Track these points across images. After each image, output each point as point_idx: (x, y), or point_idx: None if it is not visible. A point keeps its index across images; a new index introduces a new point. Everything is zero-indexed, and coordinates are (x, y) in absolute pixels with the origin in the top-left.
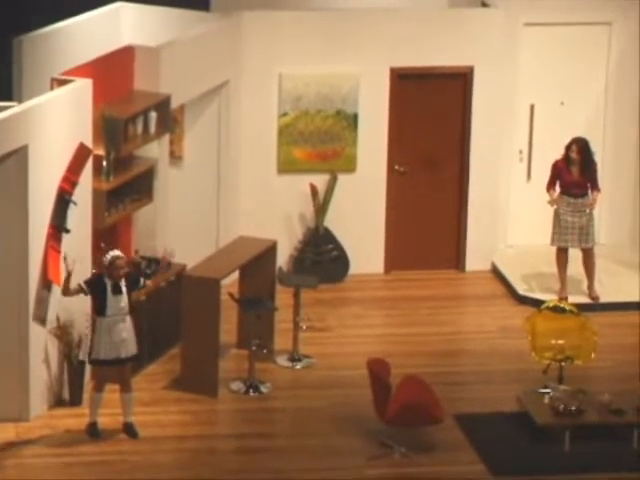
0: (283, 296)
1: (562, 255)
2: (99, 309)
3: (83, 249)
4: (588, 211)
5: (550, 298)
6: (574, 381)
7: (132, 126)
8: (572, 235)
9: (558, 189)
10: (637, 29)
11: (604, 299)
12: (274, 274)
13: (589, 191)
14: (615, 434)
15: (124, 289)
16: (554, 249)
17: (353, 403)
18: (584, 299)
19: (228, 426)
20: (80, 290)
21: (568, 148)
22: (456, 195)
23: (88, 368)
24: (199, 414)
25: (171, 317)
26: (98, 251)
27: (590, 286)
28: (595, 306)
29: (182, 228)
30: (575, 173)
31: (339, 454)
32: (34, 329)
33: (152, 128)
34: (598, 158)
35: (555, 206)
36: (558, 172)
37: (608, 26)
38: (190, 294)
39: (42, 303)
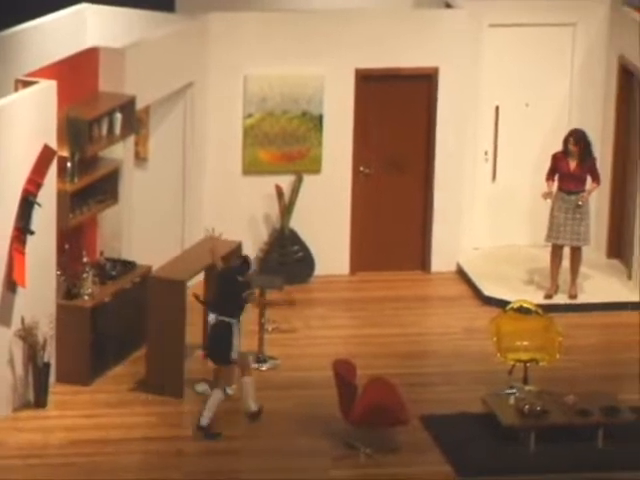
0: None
1: (555, 252)
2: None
3: (47, 251)
4: (581, 204)
5: (515, 299)
6: (539, 382)
7: (97, 127)
8: (564, 233)
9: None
10: (601, 30)
11: (569, 300)
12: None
13: (586, 187)
14: (580, 435)
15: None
16: (519, 250)
17: (319, 404)
18: (554, 299)
19: (194, 428)
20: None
21: (566, 140)
22: (421, 196)
23: (53, 370)
24: (165, 416)
25: (136, 318)
26: (62, 253)
27: (571, 284)
28: (560, 307)
29: (147, 229)
30: (573, 165)
31: (305, 455)
32: None
33: (117, 129)
34: None
35: (548, 200)
36: (556, 163)
37: (572, 27)
38: (155, 296)
39: (7, 305)
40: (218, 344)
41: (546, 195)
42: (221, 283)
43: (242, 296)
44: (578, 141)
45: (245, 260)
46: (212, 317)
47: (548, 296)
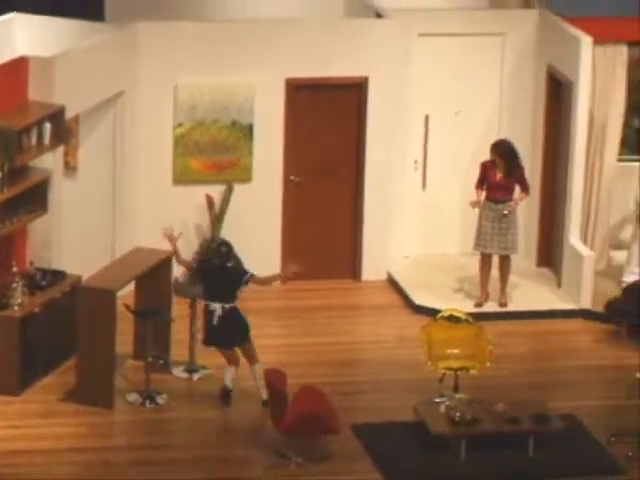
0: (179, 307)
1: (484, 260)
2: None
3: None
4: (507, 212)
5: (445, 307)
6: (470, 390)
7: (26, 137)
8: (491, 242)
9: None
10: (529, 40)
11: (500, 308)
12: (170, 285)
13: (514, 196)
14: (510, 443)
15: None
16: (449, 258)
17: (250, 413)
18: (484, 307)
19: (124, 438)
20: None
21: (490, 151)
22: (352, 205)
23: None
24: (95, 426)
25: (66, 328)
26: None
27: (500, 292)
28: (490, 315)
29: (77, 239)
30: (500, 175)
31: (236, 465)
32: None
33: (46, 139)
34: None
35: (476, 208)
36: (485, 172)
37: (501, 37)
38: (86, 305)
39: None
40: (235, 327)
41: (474, 204)
42: (211, 274)
43: (241, 281)
44: (501, 154)
45: (221, 245)
46: (217, 307)
47: (478, 305)
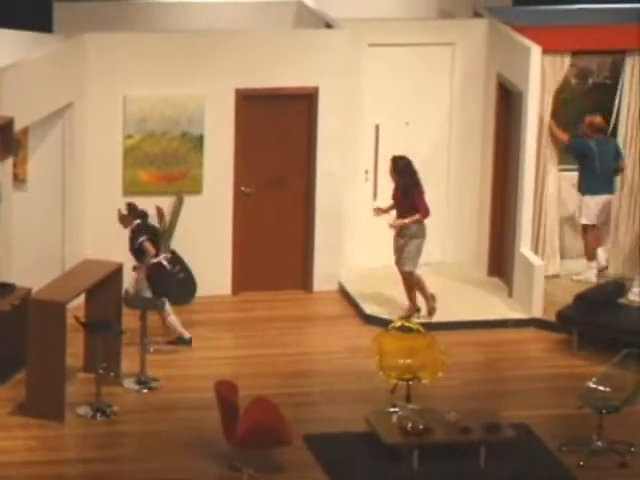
0: (129, 319)
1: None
2: None
3: None
4: (390, 225)
5: (396, 318)
6: (422, 400)
7: None
8: (394, 256)
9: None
10: (479, 49)
11: (451, 317)
12: (120, 297)
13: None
14: (462, 452)
15: None
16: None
17: (201, 426)
18: (435, 317)
19: (75, 451)
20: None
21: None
22: (303, 216)
23: None
24: (45, 439)
25: (16, 341)
26: None
27: (425, 301)
28: (441, 325)
29: (27, 251)
30: (396, 190)
31: (188, 477)
32: None
33: None
34: (444, 177)
35: (382, 216)
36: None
37: (451, 46)
38: (35, 318)
39: None
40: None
41: (376, 211)
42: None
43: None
44: (396, 170)
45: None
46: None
47: (406, 317)
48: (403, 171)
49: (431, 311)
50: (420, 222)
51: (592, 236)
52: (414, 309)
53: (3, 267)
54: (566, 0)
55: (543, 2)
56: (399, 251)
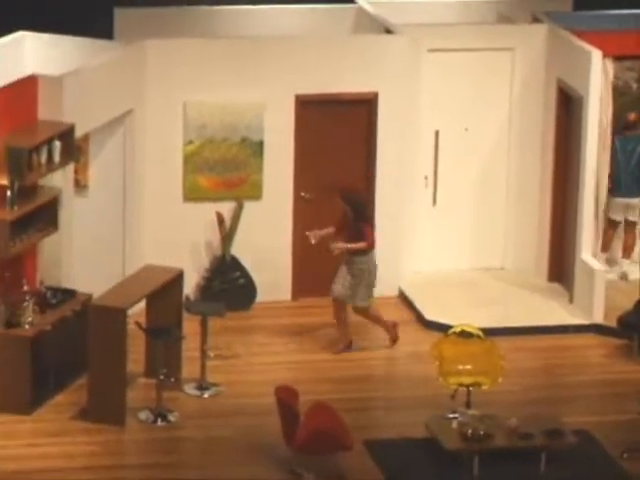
0: (190, 324)
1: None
2: None
3: None
4: (332, 248)
5: (457, 323)
6: (482, 406)
7: (36, 156)
8: (340, 286)
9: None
10: (539, 55)
11: (511, 323)
12: (181, 302)
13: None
14: (523, 458)
15: None
16: (460, 273)
17: (262, 431)
18: (493, 322)
19: (136, 456)
20: None
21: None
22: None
23: None
24: (106, 444)
25: (78, 347)
26: (2, 281)
27: (387, 332)
28: (502, 331)
29: (88, 257)
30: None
31: None
32: None
33: (56, 157)
34: (503, 183)
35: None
36: None
37: (510, 52)
38: (96, 324)
39: None
40: None
41: (311, 235)
42: None
43: None
44: (344, 202)
45: None
46: None
47: (341, 350)
48: (356, 203)
49: (394, 339)
50: (364, 251)
51: (614, 232)
52: (348, 342)
53: (64, 273)
54: (627, 4)
55: (603, 6)
56: (350, 288)
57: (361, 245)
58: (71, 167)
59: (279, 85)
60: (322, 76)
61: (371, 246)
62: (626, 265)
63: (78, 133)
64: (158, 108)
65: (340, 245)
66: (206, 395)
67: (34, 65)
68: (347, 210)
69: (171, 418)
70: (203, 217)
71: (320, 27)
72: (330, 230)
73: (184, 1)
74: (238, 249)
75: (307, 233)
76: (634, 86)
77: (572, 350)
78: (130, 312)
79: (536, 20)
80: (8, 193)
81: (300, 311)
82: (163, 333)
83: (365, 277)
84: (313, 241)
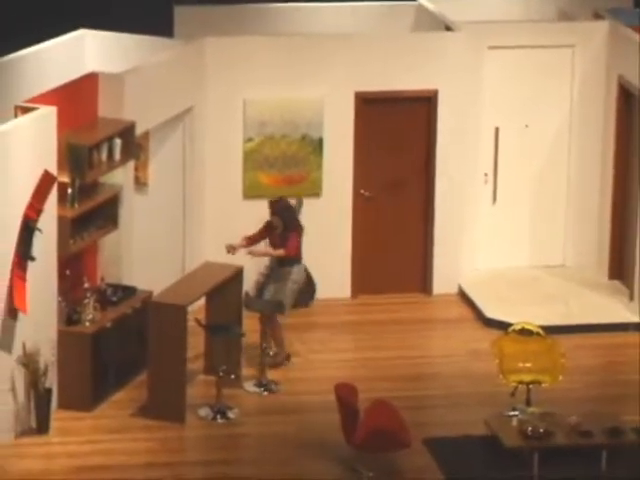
0: (250, 321)
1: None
2: None
3: (48, 277)
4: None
5: (517, 321)
6: (542, 403)
7: (97, 153)
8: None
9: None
10: (600, 52)
11: (572, 321)
12: (240, 299)
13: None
14: (584, 456)
15: None
16: (519, 271)
17: (321, 428)
18: (554, 320)
19: (196, 453)
20: None
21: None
22: (422, 219)
23: (55, 396)
24: (166, 441)
25: (138, 344)
26: (63, 279)
27: (278, 348)
28: (561, 328)
29: (148, 254)
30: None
31: (308, 479)
32: (0, 357)
33: (117, 155)
34: (564, 180)
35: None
36: None
37: (571, 49)
38: (156, 321)
39: (8, 331)
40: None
41: (229, 248)
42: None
43: None
44: (272, 213)
45: None
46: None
47: (277, 364)
48: (283, 212)
49: (281, 361)
50: (291, 261)
51: None
52: (284, 353)
53: (124, 270)
54: None
55: None
56: (277, 292)
57: (279, 252)
58: (131, 165)
59: (339, 82)
60: (382, 73)
61: (292, 254)
62: None
63: (138, 131)
64: (218, 106)
65: (258, 250)
66: (266, 392)
67: (95, 63)
68: (276, 220)
69: (231, 415)
70: (263, 214)
71: (380, 24)
72: (243, 243)
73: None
74: None
75: (226, 245)
76: None
77: (632, 348)
78: (190, 309)
79: (597, 17)
80: (69, 191)
81: (359, 308)
82: (223, 330)
83: (294, 289)
84: (232, 253)
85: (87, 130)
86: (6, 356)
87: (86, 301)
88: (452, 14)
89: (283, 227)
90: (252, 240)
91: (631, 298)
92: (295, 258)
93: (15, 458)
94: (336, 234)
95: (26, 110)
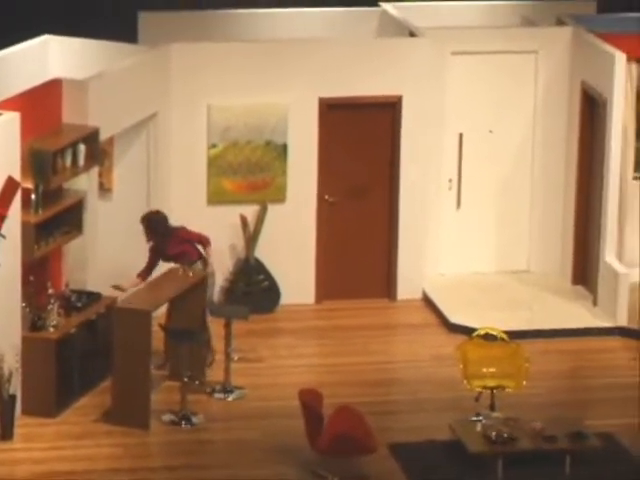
0: (214, 327)
1: None
2: None
3: (12, 282)
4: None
5: (481, 326)
6: (506, 408)
7: (61, 159)
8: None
9: None
10: (563, 57)
11: (535, 326)
12: (205, 305)
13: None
14: (547, 461)
15: None
16: (484, 277)
17: (286, 434)
18: (518, 325)
19: (160, 458)
20: None
21: None
22: (386, 224)
23: (19, 402)
24: (130, 447)
25: (102, 349)
26: (27, 284)
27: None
28: (527, 333)
29: (112, 260)
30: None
31: None
32: None
33: (81, 161)
34: (527, 185)
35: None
36: None
37: (534, 54)
38: (121, 326)
39: None
40: None
41: (115, 287)
42: None
43: None
44: (147, 232)
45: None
46: None
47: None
48: (156, 228)
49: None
50: (195, 260)
51: None
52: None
53: (89, 276)
54: None
55: (628, 9)
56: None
57: (136, 281)
58: (96, 170)
59: (303, 88)
60: (346, 79)
61: (144, 278)
62: None
63: (103, 136)
64: (182, 111)
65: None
66: (230, 398)
67: (59, 69)
68: (155, 239)
69: (195, 421)
70: (227, 220)
71: (344, 30)
72: (137, 281)
73: (205, 5)
74: (262, 252)
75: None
76: None
77: (596, 353)
78: (154, 315)
79: (560, 23)
80: (33, 196)
81: (324, 314)
82: (186, 335)
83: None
84: (123, 291)
85: (51, 136)
86: None
87: (50, 307)
88: (416, 20)
89: (161, 243)
90: (145, 273)
91: (594, 303)
92: (192, 259)
93: None
94: (300, 240)
95: None
